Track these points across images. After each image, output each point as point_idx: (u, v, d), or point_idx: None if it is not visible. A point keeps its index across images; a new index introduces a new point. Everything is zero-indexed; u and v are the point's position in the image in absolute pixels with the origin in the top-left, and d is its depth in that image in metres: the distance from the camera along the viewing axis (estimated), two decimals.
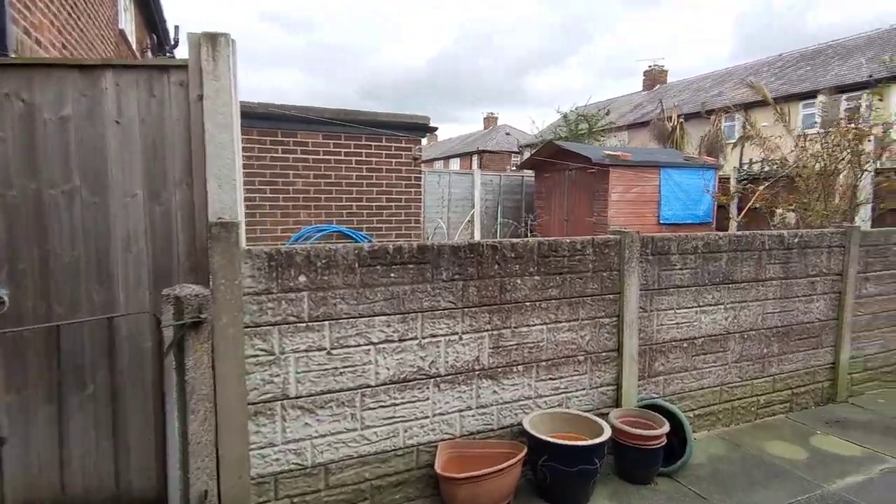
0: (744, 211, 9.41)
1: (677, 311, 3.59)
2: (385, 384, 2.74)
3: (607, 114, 19.44)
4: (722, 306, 3.76)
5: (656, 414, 3.18)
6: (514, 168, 25.67)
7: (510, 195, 13.31)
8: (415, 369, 2.80)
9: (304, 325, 2.54)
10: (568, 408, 3.26)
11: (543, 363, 3.16)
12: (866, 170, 6.29)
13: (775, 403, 4.10)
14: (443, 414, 2.90)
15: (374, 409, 2.72)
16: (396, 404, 2.77)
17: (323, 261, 2.55)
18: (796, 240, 4.04)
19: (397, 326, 2.74)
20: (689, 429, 3.20)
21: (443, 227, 11.40)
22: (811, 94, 17.51)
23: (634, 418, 3.23)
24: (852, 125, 6.32)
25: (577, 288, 3.22)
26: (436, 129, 7.27)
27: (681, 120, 15.62)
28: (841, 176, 6.23)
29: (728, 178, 11.28)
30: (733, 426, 3.86)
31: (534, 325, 3.11)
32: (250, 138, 6.29)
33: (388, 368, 2.74)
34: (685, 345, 3.65)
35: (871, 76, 15.40)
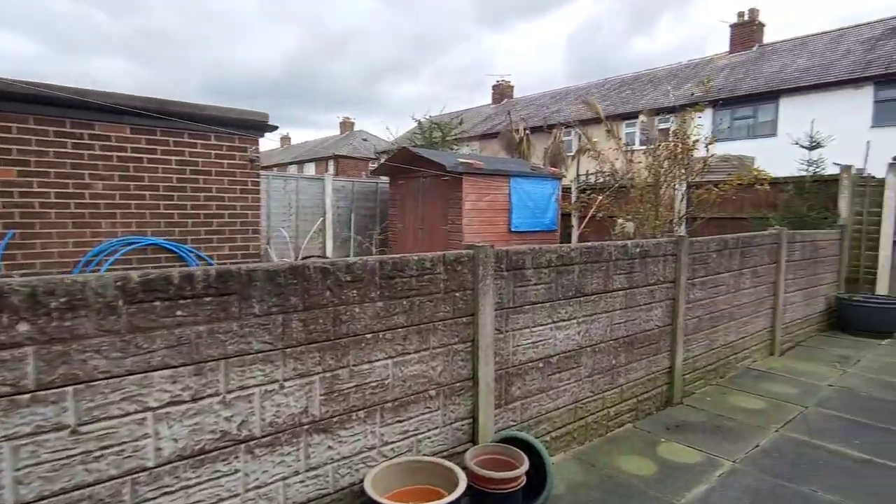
0: (585, 219, 10.06)
1: (533, 329, 3.35)
2: (171, 462, 2.00)
3: (460, 123, 19.87)
4: (575, 321, 3.63)
5: (515, 449, 2.87)
6: (368, 174, 25.08)
7: (364, 202, 12.74)
8: (217, 436, 2.11)
9: (28, 396, 1.71)
10: (419, 451, 2.80)
11: (390, 404, 2.66)
12: (688, 182, 7.04)
13: (623, 413, 4.11)
14: (260, 487, 2.24)
15: (155, 498, 1.97)
16: (190, 487, 2.05)
17: (62, 299, 1.76)
18: (638, 250, 4.11)
19: (189, 382, 2.03)
20: (549, 462, 2.95)
21: (286, 237, 10.41)
22: (633, 115, 19.81)
23: (493, 455, 2.89)
24: (678, 139, 6.93)
25: (427, 312, 2.78)
26: (275, 127, 6.42)
27: (527, 132, 16.47)
28: (664, 188, 6.83)
29: (570, 188, 12.01)
30: (587, 443, 3.76)
31: (377, 361, 2.59)
32: (24, 127, 4.92)
33: (175, 440, 2.01)
34: (541, 365, 3.43)
35: (675, 103, 17.85)
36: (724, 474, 3.35)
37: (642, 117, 9.19)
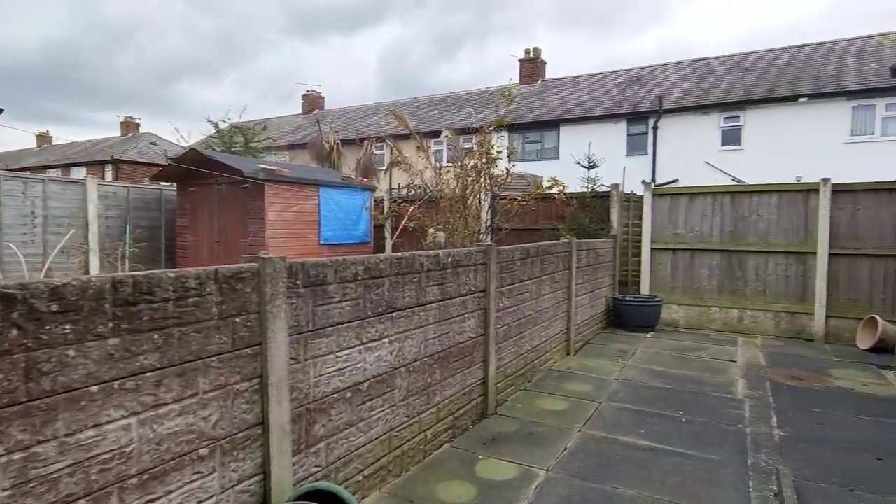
0: (398, 230, 9.93)
1: (339, 354, 2.87)
2: None
3: (264, 128, 18.45)
4: (387, 339, 3.25)
5: None
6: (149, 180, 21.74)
7: (145, 212, 10.77)
8: None
9: None
10: None
11: (135, 479, 1.91)
12: (493, 193, 7.39)
13: (441, 433, 3.86)
14: None
15: None
16: None
17: None
18: (450, 259, 3.93)
19: None
20: None
21: (20, 256, 8.13)
22: (440, 133, 20.80)
23: None
24: (483, 151, 7.16)
25: (193, 347, 2.10)
26: None
27: (338, 142, 15.94)
28: (472, 198, 7.03)
29: (382, 200, 11.83)
30: (404, 474, 3.39)
31: (111, 423, 1.83)
32: None
33: None
34: (350, 394, 2.96)
35: (477, 125, 19.25)
36: (539, 485, 3.28)
37: (447, 132, 9.42)
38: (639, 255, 8.80)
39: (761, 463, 3.61)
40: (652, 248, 8.67)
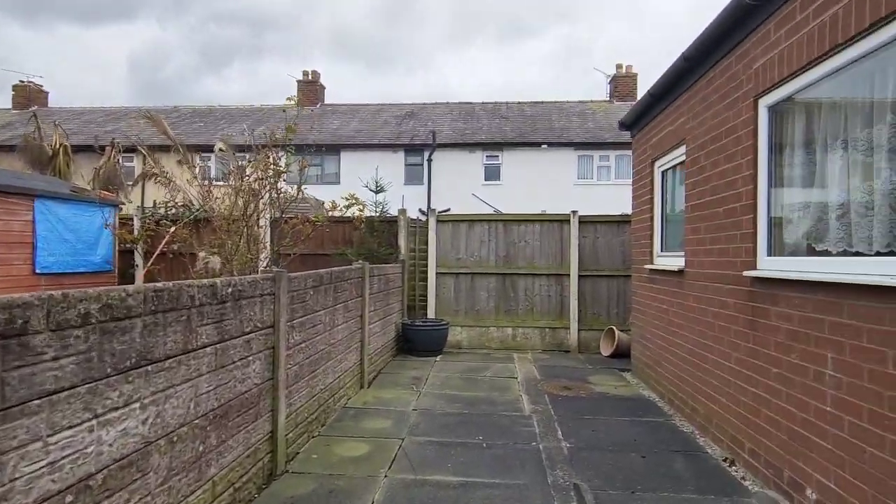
0: (155, 255, 8.18)
1: (52, 438, 1.89)
2: None
3: None
4: (139, 404, 2.34)
5: None
6: None
7: None
8: None
9: None
10: None
11: None
12: (281, 212, 6.57)
13: None
14: None
15: None
16: None
17: None
18: (230, 290, 3.15)
19: None
20: None
21: None
22: (208, 148, 18.50)
23: None
24: (270, 163, 6.31)
25: None
26: None
27: (66, 145, 12.75)
28: (254, 218, 6.12)
29: (132, 219, 9.71)
30: None
31: None
32: None
33: None
34: (71, 498, 1.98)
35: (254, 142, 17.76)
36: None
37: (221, 145, 8.25)
38: (425, 279, 8.94)
39: (560, 480, 3.71)
40: (437, 273, 8.91)
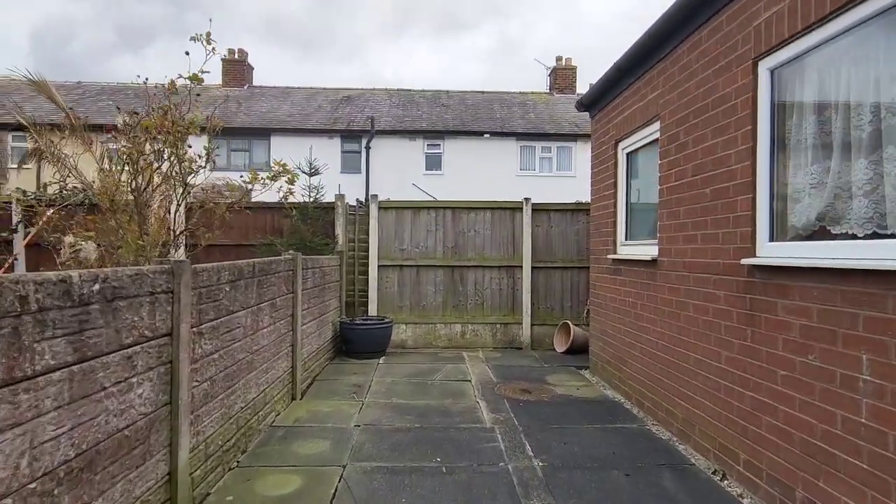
0: (24, 244, 6.76)
1: None
2: None
3: None
4: None
5: None
6: None
7: None
8: None
9: None
10: None
11: None
12: (190, 197, 5.52)
13: None
14: None
15: None
16: None
17: None
18: (98, 287, 2.22)
19: None
20: None
21: None
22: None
23: None
24: (174, 133, 5.21)
25: None
26: None
27: None
28: (157, 200, 5.04)
29: (9, 203, 8.13)
30: None
31: None
32: None
33: None
34: None
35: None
36: None
37: (122, 118, 6.93)
38: (366, 272, 8.09)
39: None
40: (380, 266, 8.08)
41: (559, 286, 8.18)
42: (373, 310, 7.99)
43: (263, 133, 19.32)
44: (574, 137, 19.46)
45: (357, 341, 7.13)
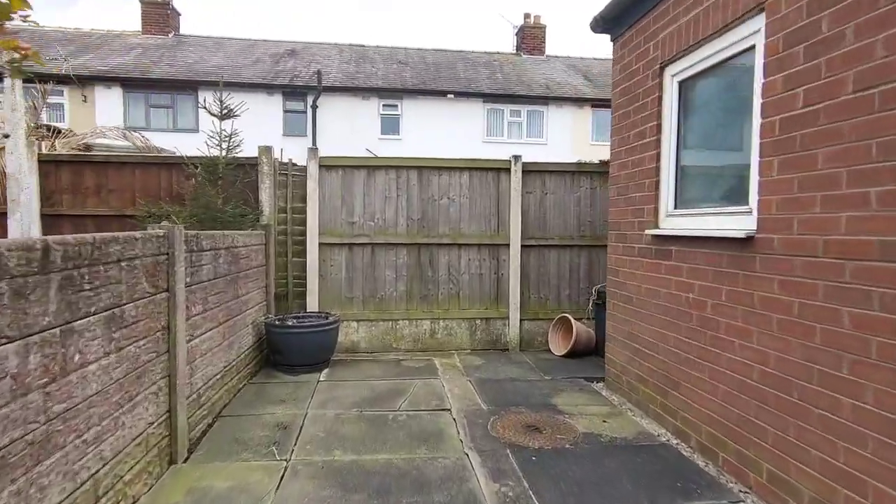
0: None
1: None
2: None
3: None
4: None
5: None
6: None
7: None
8: None
9: None
10: None
11: None
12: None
13: None
14: None
15: None
16: None
17: None
18: None
19: None
20: None
21: None
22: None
23: None
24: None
25: None
26: None
27: None
28: None
29: None
30: None
31: None
32: None
33: None
34: None
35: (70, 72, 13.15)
36: None
37: None
38: (304, 254, 6.04)
39: None
40: (322, 244, 6.04)
41: (555, 270, 6.41)
42: (313, 303, 5.99)
43: (189, 87, 16.47)
44: (545, 101, 17.67)
45: (289, 350, 5.13)
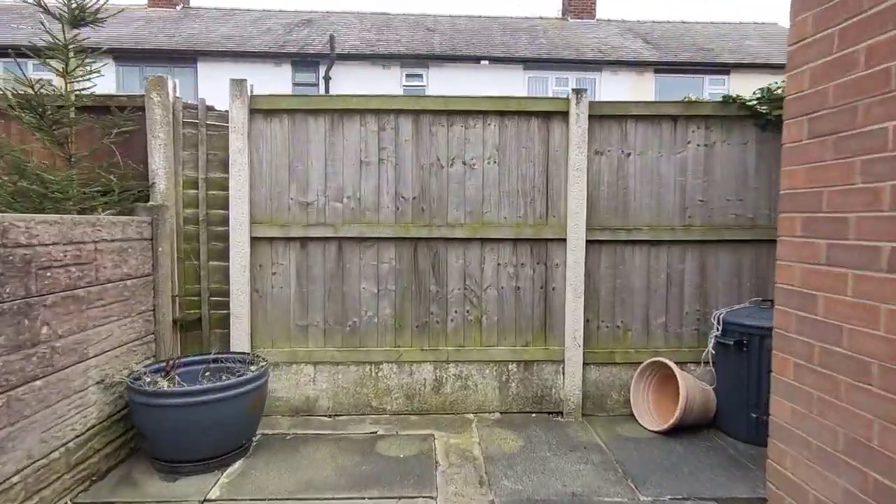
0: None
1: None
2: None
3: None
4: None
5: None
6: None
7: None
8: None
9: None
10: None
11: None
12: None
13: None
14: None
15: None
16: None
17: None
18: None
19: None
20: None
21: None
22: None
23: None
24: None
25: None
26: None
27: None
28: None
29: None
30: None
31: None
32: None
33: None
34: None
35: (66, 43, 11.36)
36: None
37: None
38: (225, 255, 3.72)
39: None
40: (255, 238, 3.71)
41: (642, 281, 3.85)
42: (240, 336, 3.66)
43: (188, 58, 14.52)
44: (598, 66, 14.81)
45: (162, 435, 2.80)
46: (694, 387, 3.49)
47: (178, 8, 18.46)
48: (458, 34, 17.00)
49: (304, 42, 15.34)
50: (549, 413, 3.84)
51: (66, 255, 2.56)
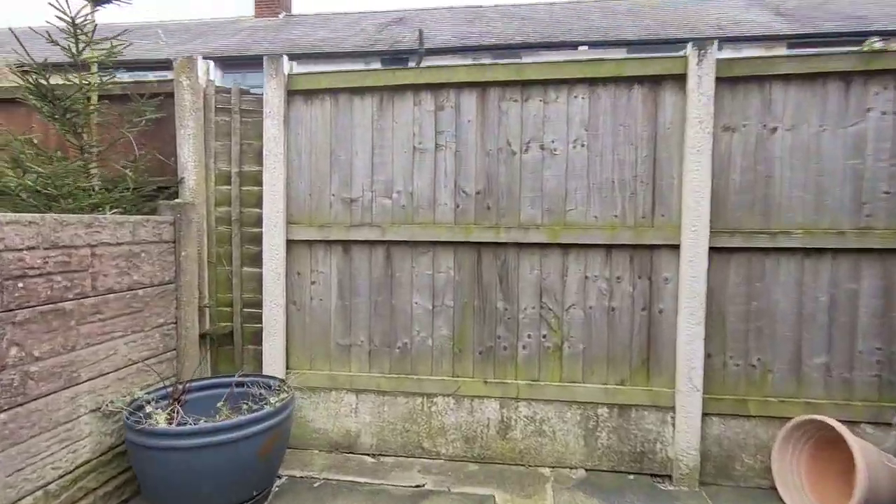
0: None
1: None
2: None
3: None
4: None
5: None
6: None
7: None
8: None
9: None
10: None
11: None
12: None
13: None
14: None
15: None
16: None
17: None
18: None
19: None
20: None
21: None
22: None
23: None
24: None
25: None
26: None
27: None
28: None
29: None
30: None
31: None
32: None
33: None
34: None
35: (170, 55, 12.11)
36: None
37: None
38: (258, 260, 3.23)
39: None
40: (291, 241, 3.18)
41: (790, 304, 2.78)
42: (275, 355, 3.15)
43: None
44: (718, 45, 13.00)
45: (161, 484, 2.32)
46: (876, 461, 2.39)
47: (281, 16, 19.22)
48: (554, 22, 15.90)
49: (394, 39, 15.16)
50: (651, 475, 2.90)
51: (46, 262, 2.15)
